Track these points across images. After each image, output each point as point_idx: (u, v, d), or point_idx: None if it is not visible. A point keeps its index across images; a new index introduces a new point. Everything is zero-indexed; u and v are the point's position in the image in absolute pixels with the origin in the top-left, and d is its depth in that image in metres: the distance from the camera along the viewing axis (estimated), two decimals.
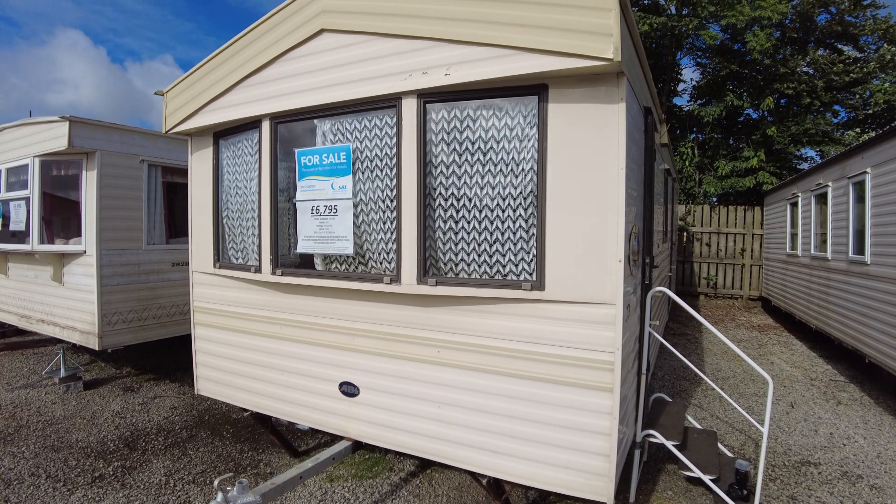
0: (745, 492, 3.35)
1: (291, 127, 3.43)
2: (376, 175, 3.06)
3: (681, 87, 17.44)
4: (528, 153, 2.66)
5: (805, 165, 15.14)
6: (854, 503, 3.68)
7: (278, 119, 3.39)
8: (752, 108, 15.55)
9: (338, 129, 3.19)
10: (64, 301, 5.89)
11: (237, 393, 3.89)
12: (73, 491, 3.72)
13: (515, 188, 2.72)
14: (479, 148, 2.78)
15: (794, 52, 14.92)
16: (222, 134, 3.83)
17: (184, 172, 5.75)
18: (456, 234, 2.87)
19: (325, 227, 3.22)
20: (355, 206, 3.13)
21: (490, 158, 2.76)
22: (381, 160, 3.03)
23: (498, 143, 2.74)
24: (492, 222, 2.79)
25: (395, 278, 2.93)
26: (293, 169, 3.37)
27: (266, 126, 3.42)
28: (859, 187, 6.36)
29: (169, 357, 7.16)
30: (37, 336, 7.17)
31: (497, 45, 2.48)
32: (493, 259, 2.80)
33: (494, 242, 2.79)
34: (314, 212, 3.26)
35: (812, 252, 8.19)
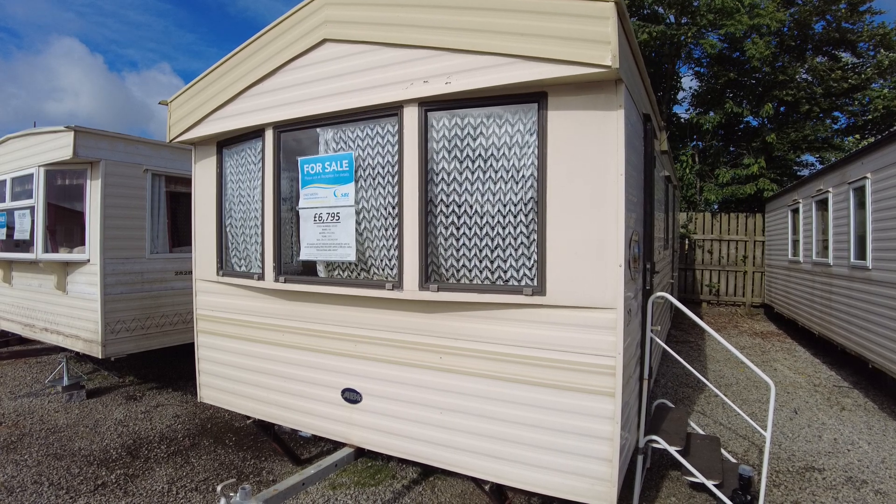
0: (749, 497, 3.34)
1: (294, 135, 3.46)
2: (378, 182, 3.09)
3: (680, 95, 17.55)
4: (528, 160, 2.69)
5: (805, 172, 15.19)
6: None
7: (281, 128, 3.43)
8: (752, 115, 15.64)
9: (340, 137, 3.23)
10: (67, 310, 5.91)
11: (240, 400, 3.90)
12: (76, 499, 3.72)
13: (516, 194, 2.74)
14: (479, 155, 2.81)
15: (793, 59, 15.02)
16: (226, 143, 3.87)
17: (187, 182, 5.81)
18: (457, 240, 2.89)
19: (327, 235, 3.25)
20: (357, 213, 3.16)
21: (491, 165, 2.79)
22: (383, 168, 3.06)
23: (498, 150, 2.77)
24: (493, 228, 2.81)
25: (398, 284, 2.95)
26: (296, 177, 3.40)
27: (269, 135, 3.46)
28: (860, 193, 6.38)
29: (171, 366, 7.17)
30: (40, 345, 7.16)
31: (497, 53, 2.52)
32: (495, 265, 2.82)
33: (496, 248, 2.81)
34: (317, 219, 3.29)
35: (814, 258, 8.19)
